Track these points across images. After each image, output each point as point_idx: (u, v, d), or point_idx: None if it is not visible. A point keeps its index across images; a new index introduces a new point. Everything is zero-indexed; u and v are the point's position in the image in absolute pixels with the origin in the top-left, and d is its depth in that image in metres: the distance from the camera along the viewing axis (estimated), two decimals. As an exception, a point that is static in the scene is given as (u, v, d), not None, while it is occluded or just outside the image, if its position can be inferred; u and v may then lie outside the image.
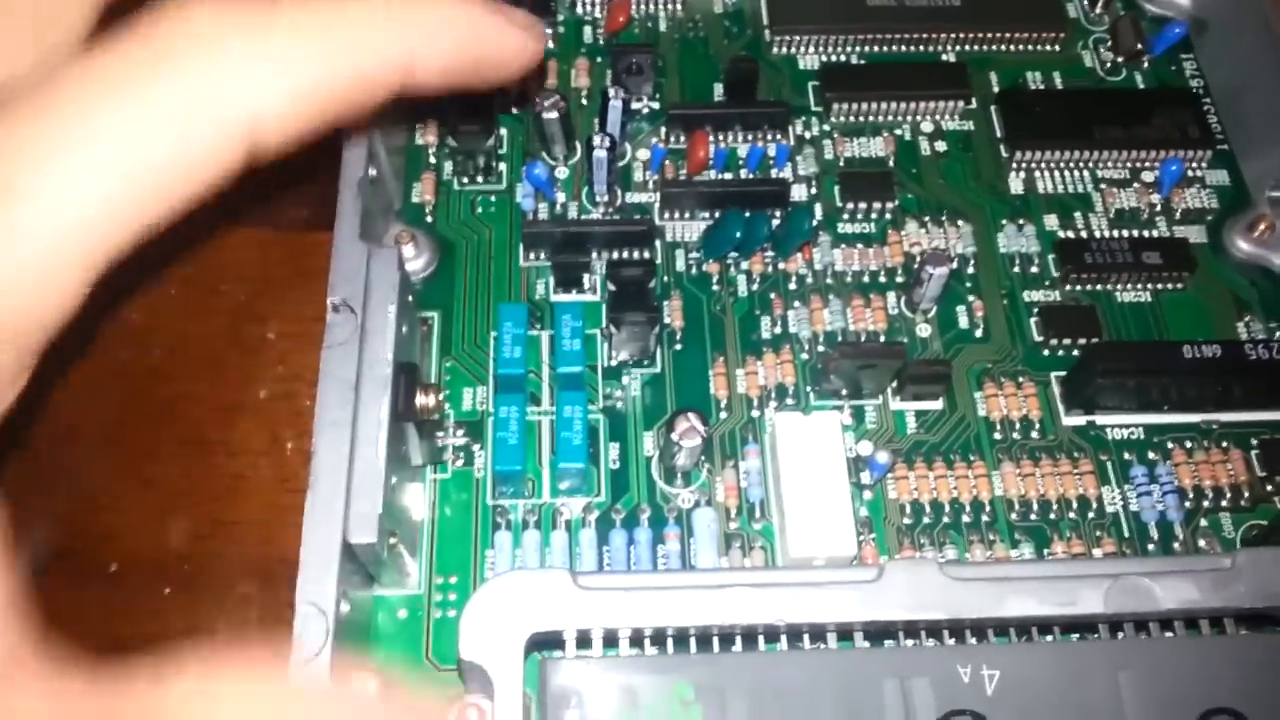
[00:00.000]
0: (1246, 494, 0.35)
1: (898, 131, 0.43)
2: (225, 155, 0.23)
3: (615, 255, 0.39)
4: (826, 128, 0.42)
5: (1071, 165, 0.42)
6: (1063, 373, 0.37)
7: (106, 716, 0.21)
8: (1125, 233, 0.40)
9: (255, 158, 0.23)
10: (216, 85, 0.22)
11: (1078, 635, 0.29)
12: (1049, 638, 0.29)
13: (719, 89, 0.43)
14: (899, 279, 0.39)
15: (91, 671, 0.22)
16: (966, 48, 0.45)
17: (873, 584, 0.28)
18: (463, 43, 0.27)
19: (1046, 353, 0.38)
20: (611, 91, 0.39)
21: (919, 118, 0.43)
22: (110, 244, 0.21)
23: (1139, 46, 0.44)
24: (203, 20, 0.22)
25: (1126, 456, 0.36)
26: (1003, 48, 0.45)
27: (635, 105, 0.42)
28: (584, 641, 0.28)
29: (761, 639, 0.29)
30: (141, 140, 0.21)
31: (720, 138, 0.42)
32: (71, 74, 0.21)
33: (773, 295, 0.38)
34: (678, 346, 0.37)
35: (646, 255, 0.39)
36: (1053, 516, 0.35)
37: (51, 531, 0.35)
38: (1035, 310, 0.38)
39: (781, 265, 0.39)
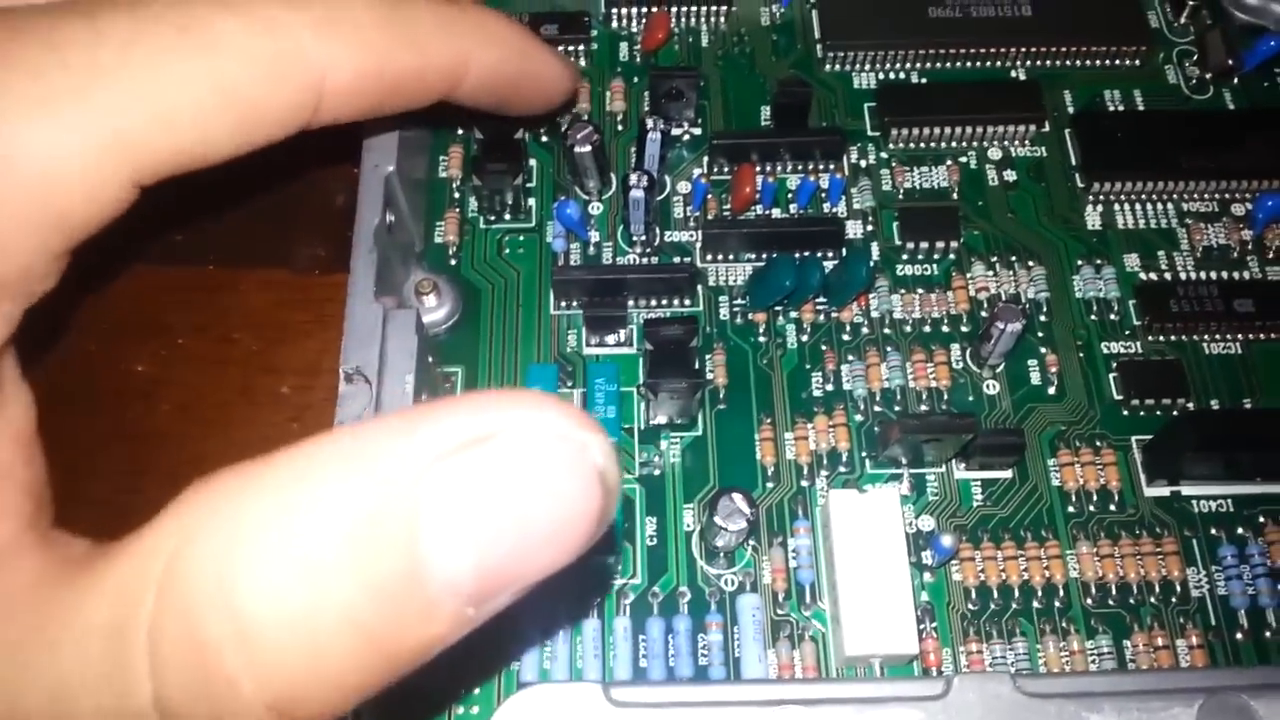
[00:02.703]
0: (1348, 577, 0.32)
1: (962, 159, 0.39)
2: (294, 109, 0.23)
3: (654, 304, 0.36)
4: (884, 155, 0.39)
5: (1154, 197, 0.38)
6: (1144, 437, 0.34)
7: (102, 582, 0.18)
8: (1213, 274, 0.37)
9: (309, 125, 0.24)
10: (299, 33, 0.22)
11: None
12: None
13: (766, 111, 0.40)
14: (964, 328, 0.36)
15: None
16: (1038, 63, 0.41)
17: (938, 700, 0.26)
18: (511, 57, 0.29)
19: (1126, 413, 0.34)
20: (650, 124, 0.36)
21: (986, 143, 0.39)
22: (161, 157, 0.21)
23: (1229, 62, 0.40)
24: None
25: (1214, 532, 0.33)
26: (1078, 63, 0.41)
27: (675, 132, 0.39)
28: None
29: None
30: (227, 61, 0.21)
31: (768, 169, 0.38)
32: None
33: (824, 347, 0.35)
34: (721, 406, 0.34)
35: (688, 305, 0.36)
36: (1133, 602, 0.32)
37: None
38: (1114, 365, 0.35)
39: (835, 314, 0.36)
